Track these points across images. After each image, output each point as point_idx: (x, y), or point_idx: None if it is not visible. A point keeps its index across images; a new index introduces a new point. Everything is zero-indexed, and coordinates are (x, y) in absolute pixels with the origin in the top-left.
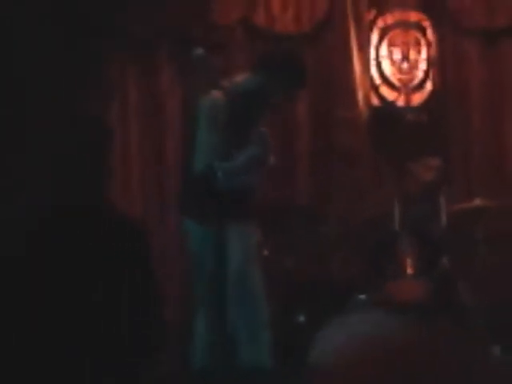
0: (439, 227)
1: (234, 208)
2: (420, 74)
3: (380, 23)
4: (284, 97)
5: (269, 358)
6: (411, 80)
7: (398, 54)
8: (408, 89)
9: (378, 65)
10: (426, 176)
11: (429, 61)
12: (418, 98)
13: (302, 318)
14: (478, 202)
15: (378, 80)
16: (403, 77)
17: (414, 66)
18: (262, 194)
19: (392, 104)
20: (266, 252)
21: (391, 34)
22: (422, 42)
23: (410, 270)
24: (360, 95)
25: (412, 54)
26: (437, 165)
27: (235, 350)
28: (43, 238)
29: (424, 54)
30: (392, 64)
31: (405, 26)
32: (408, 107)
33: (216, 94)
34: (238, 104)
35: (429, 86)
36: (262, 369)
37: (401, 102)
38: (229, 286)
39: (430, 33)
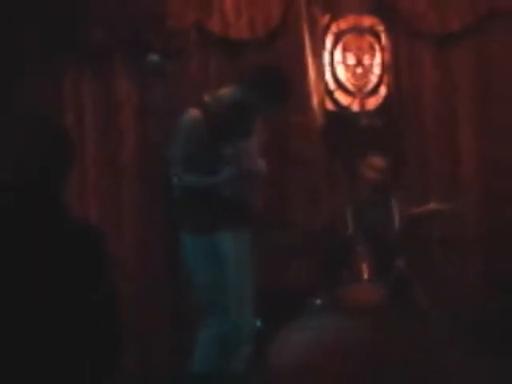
0: (393, 231)
1: (225, 216)
2: (374, 79)
3: (334, 28)
4: (268, 110)
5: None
6: (365, 85)
7: (352, 59)
8: (362, 93)
9: (333, 70)
10: (368, 174)
11: (383, 65)
12: (372, 103)
13: (258, 323)
14: (433, 205)
15: (332, 85)
16: (357, 82)
17: (368, 71)
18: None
19: (346, 109)
20: None
21: (345, 39)
22: (376, 46)
23: (365, 274)
24: (315, 100)
25: (366, 59)
26: (380, 165)
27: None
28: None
29: (378, 59)
30: (346, 69)
31: (359, 31)
32: (362, 112)
33: (194, 112)
34: (221, 117)
35: (383, 90)
36: (237, 374)
37: (355, 107)
38: (228, 293)
39: (383, 38)
